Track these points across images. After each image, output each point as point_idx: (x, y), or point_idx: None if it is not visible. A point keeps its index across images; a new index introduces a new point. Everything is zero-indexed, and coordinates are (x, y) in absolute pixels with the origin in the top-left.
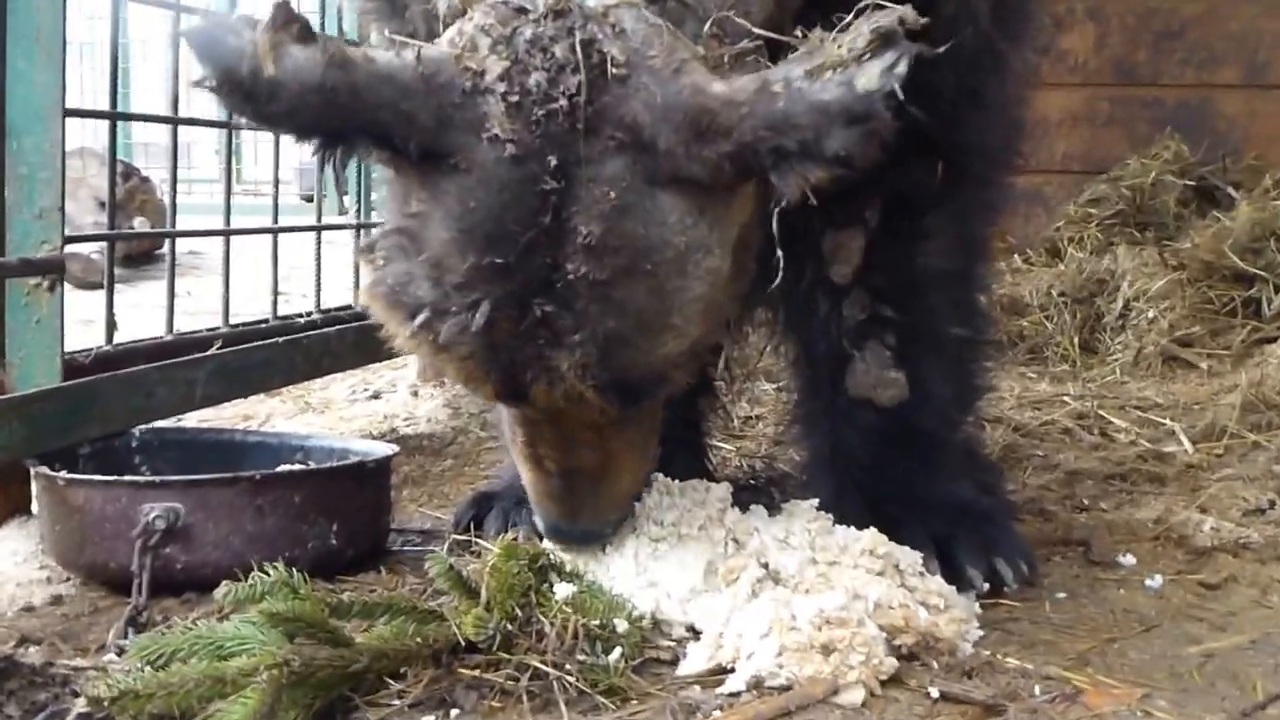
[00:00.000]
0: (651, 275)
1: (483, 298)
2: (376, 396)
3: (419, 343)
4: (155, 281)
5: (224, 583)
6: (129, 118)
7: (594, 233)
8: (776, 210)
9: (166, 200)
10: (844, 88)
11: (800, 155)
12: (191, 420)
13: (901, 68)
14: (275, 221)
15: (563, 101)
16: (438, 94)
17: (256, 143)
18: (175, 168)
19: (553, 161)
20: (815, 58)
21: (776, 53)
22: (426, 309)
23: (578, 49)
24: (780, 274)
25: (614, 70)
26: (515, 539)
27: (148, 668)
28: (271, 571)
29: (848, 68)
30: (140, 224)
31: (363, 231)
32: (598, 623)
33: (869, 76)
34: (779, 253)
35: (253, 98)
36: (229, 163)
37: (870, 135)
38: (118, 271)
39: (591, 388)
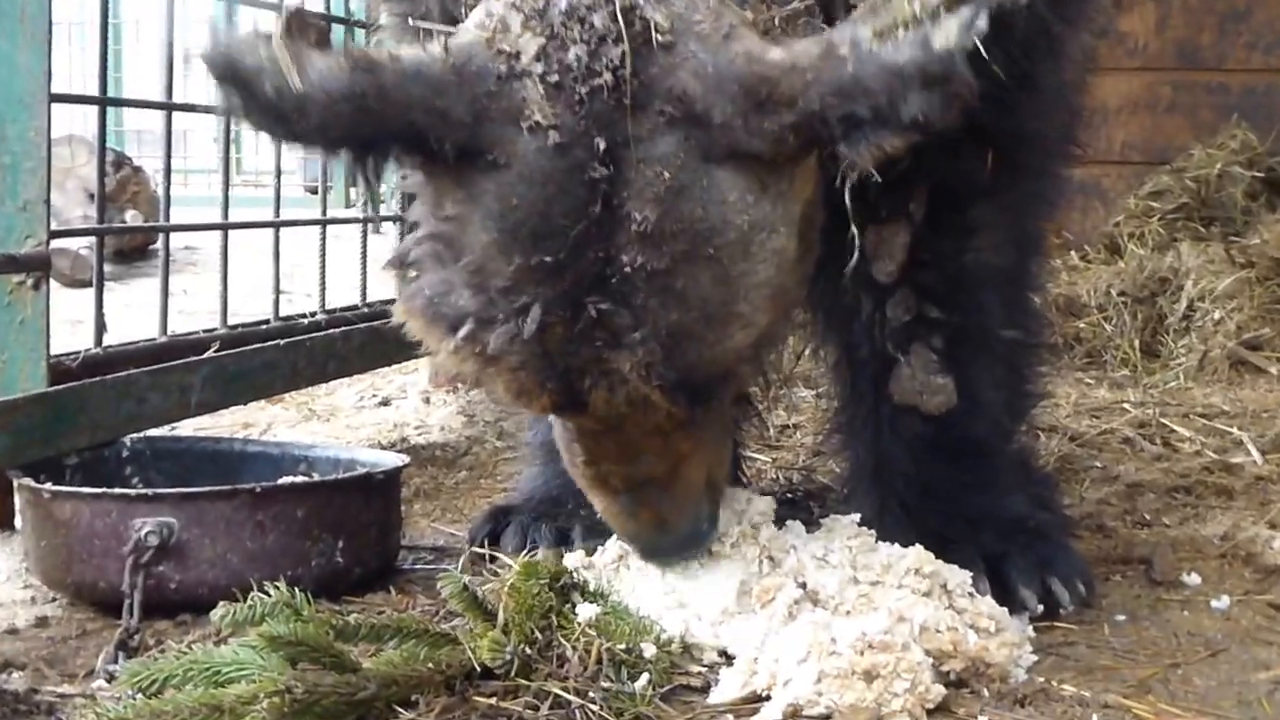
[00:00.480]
0: (714, 260)
1: (532, 301)
2: (386, 403)
3: (463, 357)
4: (149, 279)
5: (221, 604)
6: (120, 103)
7: (649, 218)
8: (848, 184)
9: (160, 192)
10: (919, 48)
11: (874, 122)
12: (188, 429)
13: (982, 23)
14: (277, 215)
15: (606, 76)
16: (471, 84)
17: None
18: (169, 157)
19: (600, 145)
20: (883, 16)
21: (830, 12)
22: (470, 319)
23: (618, 17)
24: (856, 253)
25: (659, 38)
26: (535, 556)
27: (140, 695)
28: (272, 592)
29: (920, 25)
30: (132, 217)
31: (370, 226)
32: (623, 646)
33: (947, 33)
34: (853, 229)
35: (283, 117)
36: (226, 152)
37: (951, 98)
38: (109, 268)
39: (656, 389)
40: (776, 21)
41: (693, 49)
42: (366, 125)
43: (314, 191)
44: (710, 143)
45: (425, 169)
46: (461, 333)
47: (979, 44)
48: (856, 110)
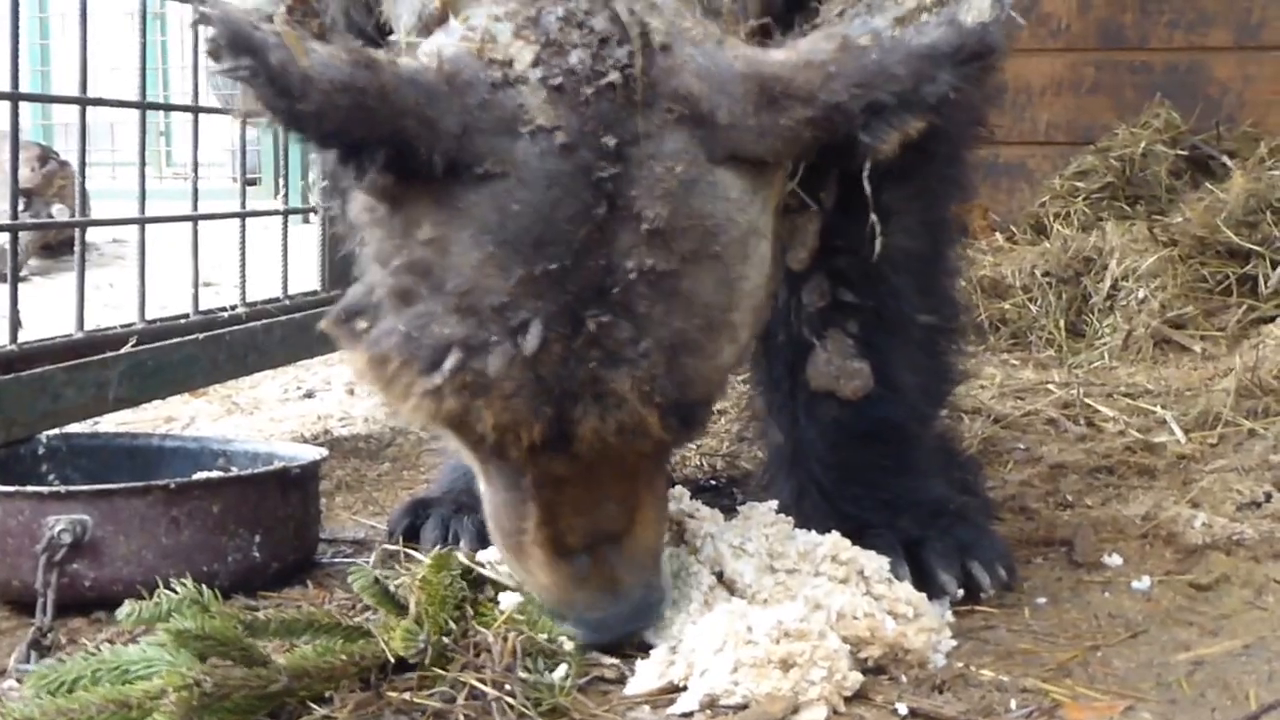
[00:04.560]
0: (718, 261)
1: (532, 317)
2: (310, 396)
3: (446, 395)
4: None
5: (127, 601)
6: (31, 98)
7: (660, 215)
8: (865, 171)
9: (79, 186)
10: (948, 28)
11: (898, 107)
12: (110, 424)
13: None
14: (194, 208)
15: (614, 75)
16: (461, 94)
17: (187, 124)
18: (84, 151)
19: (609, 143)
20: (898, 7)
21: (787, 27)
22: (457, 349)
23: (621, 19)
24: (877, 246)
25: (659, 40)
26: (452, 549)
27: (45, 695)
28: (179, 588)
29: (942, 7)
30: (59, 211)
31: (290, 218)
32: (545, 636)
33: (978, 9)
34: (874, 219)
35: (286, 93)
36: (142, 144)
37: (985, 71)
38: (35, 263)
39: (654, 409)
40: (743, 36)
41: (690, 52)
42: (362, 123)
43: (252, 184)
44: (714, 143)
45: (399, 190)
46: (448, 365)
47: (1015, 16)
48: (880, 97)
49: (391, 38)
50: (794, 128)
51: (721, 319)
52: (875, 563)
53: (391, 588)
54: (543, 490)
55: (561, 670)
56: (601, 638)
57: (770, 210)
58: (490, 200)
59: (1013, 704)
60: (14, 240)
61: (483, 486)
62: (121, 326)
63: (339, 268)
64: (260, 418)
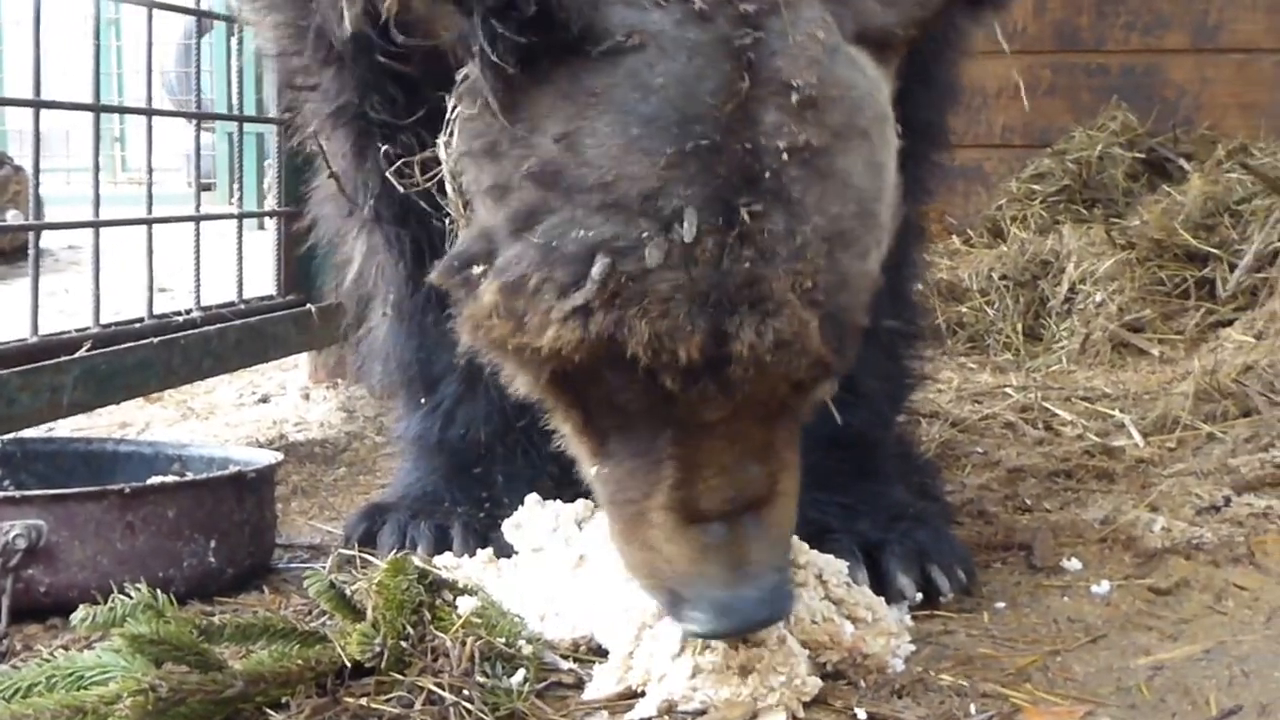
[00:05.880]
0: (866, 139)
1: (684, 204)
2: (265, 400)
3: (592, 311)
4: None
5: (81, 606)
6: None
7: (810, 83)
8: None
9: (33, 191)
10: None
11: None
12: (65, 429)
13: None
14: (149, 211)
15: None
16: None
17: (142, 130)
18: (38, 155)
19: (746, 9)
20: None
21: None
22: (604, 252)
23: None
24: None
25: None
26: (409, 554)
27: (0, 701)
28: (134, 592)
29: None
30: (13, 216)
31: (245, 221)
32: (503, 640)
33: None
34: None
35: None
36: (96, 147)
37: None
38: None
39: (816, 313)
40: None
41: None
42: None
43: (208, 189)
44: (845, 17)
45: (522, 82)
46: (596, 271)
47: None
48: None
49: None
50: None
51: (871, 210)
52: (834, 567)
53: (348, 592)
54: (684, 445)
55: (519, 675)
56: (728, 625)
57: (891, 106)
58: (627, 77)
59: (972, 709)
60: None
61: (594, 467)
62: (76, 331)
63: (294, 272)
64: (215, 423)
